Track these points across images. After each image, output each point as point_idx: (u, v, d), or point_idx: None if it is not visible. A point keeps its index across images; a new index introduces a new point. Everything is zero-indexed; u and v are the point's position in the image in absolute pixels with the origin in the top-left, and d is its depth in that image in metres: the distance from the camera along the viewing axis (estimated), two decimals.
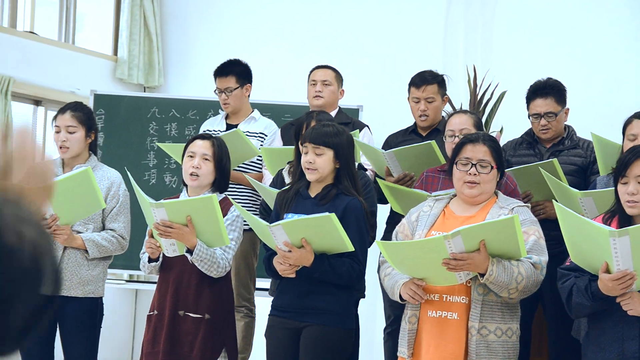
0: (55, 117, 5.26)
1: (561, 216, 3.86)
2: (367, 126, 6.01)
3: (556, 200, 5.00)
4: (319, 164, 4.46)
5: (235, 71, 6.11)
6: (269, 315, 4.65)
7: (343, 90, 6.15)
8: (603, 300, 3.79)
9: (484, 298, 4.06)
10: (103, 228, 5.16)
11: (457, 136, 4.85)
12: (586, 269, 3.82)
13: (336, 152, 4.48)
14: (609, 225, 3.89)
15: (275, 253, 4.45)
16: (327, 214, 4.18)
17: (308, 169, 4.48)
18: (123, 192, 5.19)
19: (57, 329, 5.15)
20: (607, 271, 3.69)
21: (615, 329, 3.83)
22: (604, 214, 4.02)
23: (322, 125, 4.58)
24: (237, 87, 6.07)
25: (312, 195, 4.53)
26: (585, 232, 3.74)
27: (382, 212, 5.40)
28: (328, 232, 4.25)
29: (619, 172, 3.93)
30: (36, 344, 5.09)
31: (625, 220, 3.89)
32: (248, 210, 5.69)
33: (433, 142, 5.26)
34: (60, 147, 5.17)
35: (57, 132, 5.19)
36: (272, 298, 4.75)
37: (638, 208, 3.87)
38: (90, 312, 5.12)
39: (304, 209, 4.46)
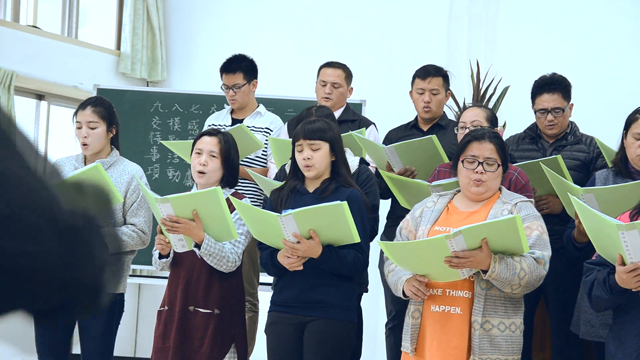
0: (75, 113, 5.24)
1: (577, 208, 3.88)
2: (374, 123, 6.01)
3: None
4: (316, 159, 4.48)
5: (243, 67, 6.11)
6: (270, 311, 4.65)
7: (352, 88, 6.15)
8: (621, 294, 3.78)
9: (487, 292, 4.08)
10: (124, 223, 5.16)
11: (468, 128, 4.87)
12: (609, 260, 3.81)
13: (331, 145, 4.50)
14: (636, 220, 3.87)
15: (274, 250, 4.47)
16: (339, 202, 4.20)
17: (306, 166, 4.49)
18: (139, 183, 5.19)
19: (76, 323, 5.18)
20: (623, 263, 3.68)
21: (635, 323, 3.83)
22: (632, 210, 3.98)
23: (312, 122, 4.59)
24: (245, 84, 6.08)
25: (311, 190, 4.54)
26: (598, 225, 3.74)
27: (383, 208, 5.41)
28: (337, 222, 4.26)
29: None
30: (52, 336, 5.11)
31: None
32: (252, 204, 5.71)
33: (434, 137, 5.27)
34: (82, 144, 5.16)
35: (79, 128, 5.18)
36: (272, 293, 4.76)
37: None
38: (110, 307, 5.12)
39: (303, 204, 4.45)
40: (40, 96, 7.82)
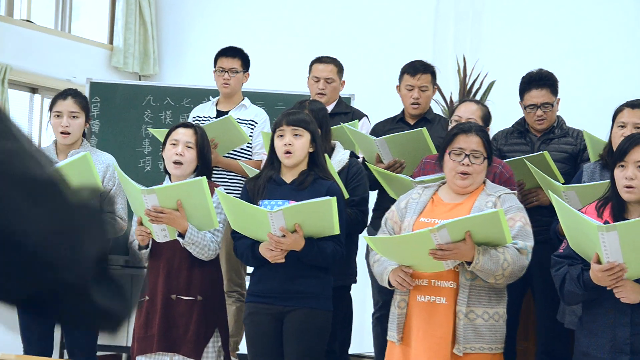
0: (54, 103, 5.24)
1: (556, 206, 3.90)
2: (366, 116, 6.02)
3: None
4: (297, 146, 4.46)
5: (241, 55, 6.15)
6: (247, 302, 4.64)
7: (344, 82, 6.17)
8: (595, 290, 3.81)
9: (472, 283, 4.09)
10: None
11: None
12: (582, 256, 3.83)
13: (313, 136, 4.50)
14: (602, 212, 3.91)
15: (255, 242, 4.45)
16: (328, 198, 4.20)
17: (286, 152, 4.47)
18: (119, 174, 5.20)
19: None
20: (599, 262, 3.70)
21: (608, 315, 3.85)
22: (598, 201, 4.02)
23: (295, 112, 4.60)
24: (241, 71, 6.10)
25: (288, 181, 4.53)
26: (577, 224, 3.76)
27: (370, 200, 5.42)
28: (323, 216, 4.26)
29: (618, 158, 3.93)
30: (38, 325, 5.12)
31: (619, 207, 3.89)
32: (238, 196, 5.70)
33: (424, 130, 5.28)
34: (62, 133, 5.16)
35: (58, 117, 5.17)
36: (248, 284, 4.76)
37: (635, 194, 3.86)
38: None
39: (281, 195, 4.46)
40: (34, 89, 7.81)
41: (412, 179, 4.95)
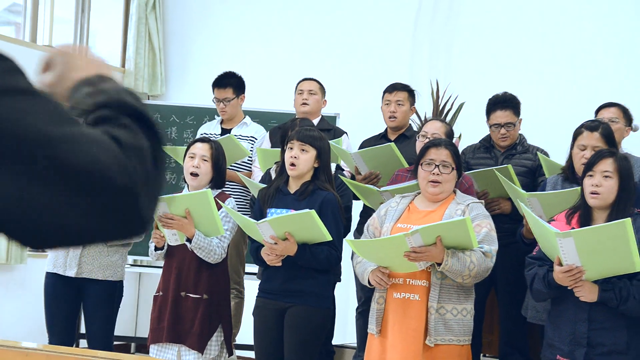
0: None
1: (526, 215, 4.00)
2: (346, 133, 6.09)
3: (509, 198, 5.14)
4: (302, 160, 4.51)
5: (232, 83, 6.18)
6: (257, 297, 4.70)
7: (325, 101, 6.22)
8: (557, 289, 3.90)
9: (442, 282, 4.15)
10: None
11: (428, 138, 4.95)
12: (550, 258, 3.92)
13: (319, 153, 4.56)
14: (571, 219, 4.00)
15: (261, 245, 4.52)
16: (307, 210, 4.25)
17: (291, 164, 4.53)
18: None
19: (81, 307, 5.26)
20: (561, 264, 3.79)
21: (569, 312, 3.93)
22: (568, 210, 4.10)
23: (309, 129, 4.65)
24: (234, 97, 6.15)
25: (292, 191, 4.58)
26: (541, 230, 3.85)
27: (356, 207, 5.49)
28: (309, 225, 4.31)
29: (587, 169, 4.02)
30: (61, 318, 5.18)
31: (586, 214, 3.97)
32: (238, 203, 5.79)
33: (392, 144, 5.34)
34: None
35: None
36: (259, 281, 4.83)
37: (599, 200, 3.95)
38: (109, 293, 5.19)
39: (285, 203, 4.52)
40: None
41: (378, 189, 5.04)
